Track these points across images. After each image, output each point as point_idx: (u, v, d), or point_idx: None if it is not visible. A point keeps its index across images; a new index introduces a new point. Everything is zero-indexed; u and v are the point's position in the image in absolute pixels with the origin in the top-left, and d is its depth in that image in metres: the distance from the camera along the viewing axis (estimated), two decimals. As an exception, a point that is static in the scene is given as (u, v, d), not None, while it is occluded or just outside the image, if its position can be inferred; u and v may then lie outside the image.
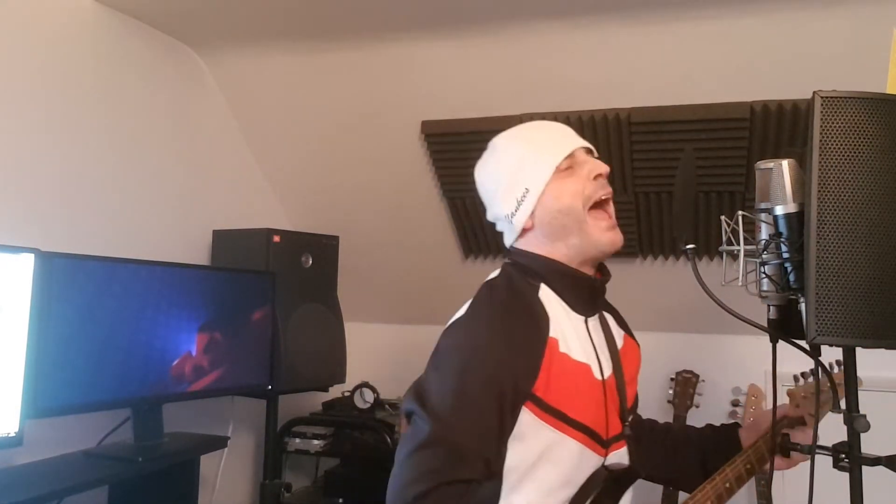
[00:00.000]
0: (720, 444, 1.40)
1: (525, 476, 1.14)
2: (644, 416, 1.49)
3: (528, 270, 1.24)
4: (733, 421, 1.52)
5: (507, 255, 1.30)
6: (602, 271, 1.30)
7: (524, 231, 1.26)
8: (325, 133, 2.63)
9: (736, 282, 1.08)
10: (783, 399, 1.36)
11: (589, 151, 1.26)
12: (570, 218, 1.21)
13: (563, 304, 1.22)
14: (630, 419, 1.30)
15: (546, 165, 1.21)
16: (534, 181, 1.22)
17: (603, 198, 1.22)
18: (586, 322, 1.24)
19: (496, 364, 1.09)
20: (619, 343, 1.32)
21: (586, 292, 1.25)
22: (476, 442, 1.05)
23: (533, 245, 1.26)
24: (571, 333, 1.19)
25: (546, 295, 1.21)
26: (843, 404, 1.05)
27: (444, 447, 1.04)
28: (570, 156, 1.22)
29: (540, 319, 1.17)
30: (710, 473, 1.32)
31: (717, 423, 1.47)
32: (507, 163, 1.26)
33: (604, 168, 1.22)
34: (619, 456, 1.27)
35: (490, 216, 1.32)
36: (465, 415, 1.06)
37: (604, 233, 1.21)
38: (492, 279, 1.26)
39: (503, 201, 1.26)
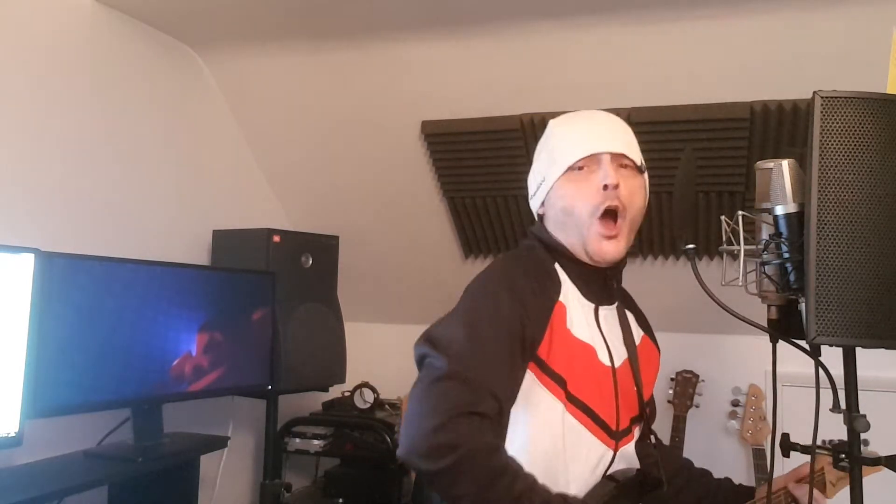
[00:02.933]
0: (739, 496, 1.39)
1: (519, 441, 1.13)
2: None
3: (546, 246, 1.27)
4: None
5: (532, 228, 1.34)
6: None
7: (540, 216, 1.31)
8: (325, 133, 2.63)
9: (736, 282, 1.08)
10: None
11: (621, 156, 1.24)
12: (571, 219, 1.22)
13: (575, 287, 1.23)
14: (647, 411, 1.30)
15: (560, 163, 1.23)
16: (548, 173, 1.25)
17: (609, 208, 1.20)
18: (596, 310, 1.24)
19: (507, 307, 1.11)
20: (637, 340, 1.32)
21: (596, 281, 1.26)
22: (489, 379, 1.06)
23: (549, 228, 1.29)
24: (578, 313, 1.20)
25: (560, 271, 1.23)
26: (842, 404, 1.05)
27: (459, 381, 1.04)
28: (590, 157, 1.22)
29: (552, 280, 1.20)
30: None
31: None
32: (541, 147, 1.31)
33: (611, 180, 1.19)
34: (627, 455, 1.26)
35: None
36: (477, 352, 1.07)
37: (598, 242, 1.21)
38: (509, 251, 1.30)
39: (531, 181, 1.32)
